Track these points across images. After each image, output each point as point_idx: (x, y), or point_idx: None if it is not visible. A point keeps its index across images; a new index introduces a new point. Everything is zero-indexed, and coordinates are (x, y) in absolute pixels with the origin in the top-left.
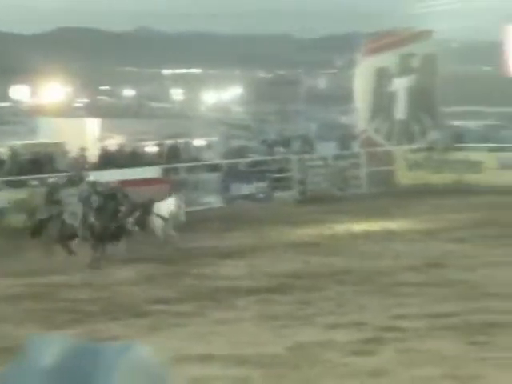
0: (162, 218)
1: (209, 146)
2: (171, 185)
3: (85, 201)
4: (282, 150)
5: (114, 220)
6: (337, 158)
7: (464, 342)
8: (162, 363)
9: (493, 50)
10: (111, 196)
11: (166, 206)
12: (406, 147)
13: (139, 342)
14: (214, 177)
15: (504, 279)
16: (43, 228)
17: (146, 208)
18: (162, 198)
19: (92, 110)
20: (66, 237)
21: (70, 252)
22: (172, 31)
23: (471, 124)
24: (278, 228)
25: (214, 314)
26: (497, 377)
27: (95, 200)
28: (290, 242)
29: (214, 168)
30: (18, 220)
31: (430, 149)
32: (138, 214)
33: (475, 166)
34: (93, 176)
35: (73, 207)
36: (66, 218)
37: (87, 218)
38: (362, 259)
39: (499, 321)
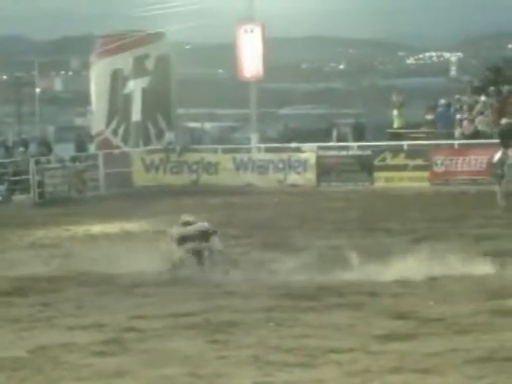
0: None
1: None
2: None
3: None
4: (19, 152)
5: None
6: (74, 159)
7: (205, 341)
8: None
9: (227, 53)
10: None
11: None
12: (143, 149)
13: None
14: None
15: (243, 278)
16: None
17: None
18: None
19: None
20: None
21: None
22: None
23: (207, 125)
24: (16, 231)
25: None
26: (237, 374)
27: None
28: (28, 244)
29: None
30: None
31: (166, 150)
32: None
33: (212, 167)
34: None
35: None
36: None
37: None
38: (101, 261)
39: (238, 319)
